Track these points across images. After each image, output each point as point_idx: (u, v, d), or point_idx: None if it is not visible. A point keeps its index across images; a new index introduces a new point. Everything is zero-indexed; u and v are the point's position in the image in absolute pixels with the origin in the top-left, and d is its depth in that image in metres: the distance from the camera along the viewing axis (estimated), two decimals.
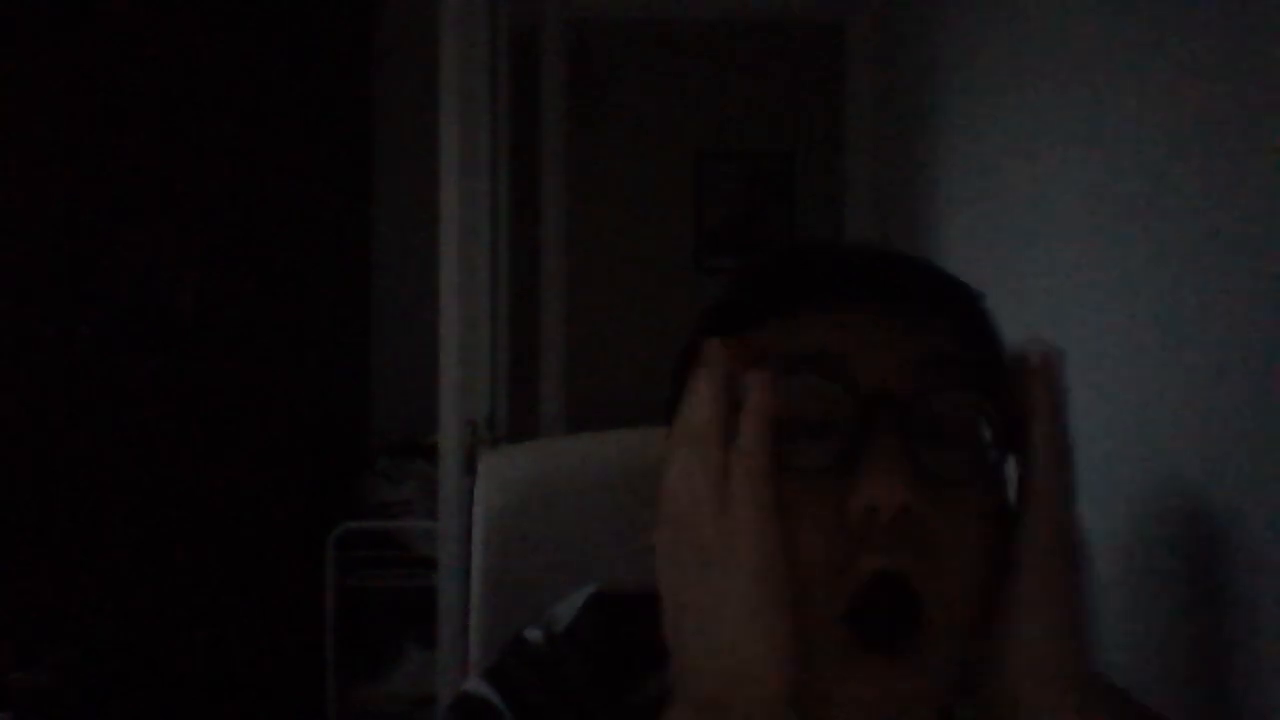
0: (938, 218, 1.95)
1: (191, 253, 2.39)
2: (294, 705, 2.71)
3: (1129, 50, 1.08)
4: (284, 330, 2.72)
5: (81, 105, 2.08)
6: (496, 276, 2.28)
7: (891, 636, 0.51)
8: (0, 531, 1.90)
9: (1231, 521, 0.85)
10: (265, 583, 2.61)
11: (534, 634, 0.68)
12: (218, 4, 2.48)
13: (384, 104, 3.23)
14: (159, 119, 2.29)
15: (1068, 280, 1.22)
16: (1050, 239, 1.30)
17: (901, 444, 0.51)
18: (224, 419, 2.47)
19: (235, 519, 2.50)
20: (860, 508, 0.50)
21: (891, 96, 2.55)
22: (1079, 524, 0.55)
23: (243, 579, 2.52)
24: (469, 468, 1.88)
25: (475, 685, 0.65)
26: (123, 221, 2.19)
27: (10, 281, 1.93)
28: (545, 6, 2.96)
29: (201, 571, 2.39)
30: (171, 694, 2.28)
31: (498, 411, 2.28)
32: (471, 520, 0.94)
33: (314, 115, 2.86)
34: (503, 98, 2.31)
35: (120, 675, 2.12)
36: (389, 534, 2.76)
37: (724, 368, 0.53)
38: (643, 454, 0.93)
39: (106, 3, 2.14)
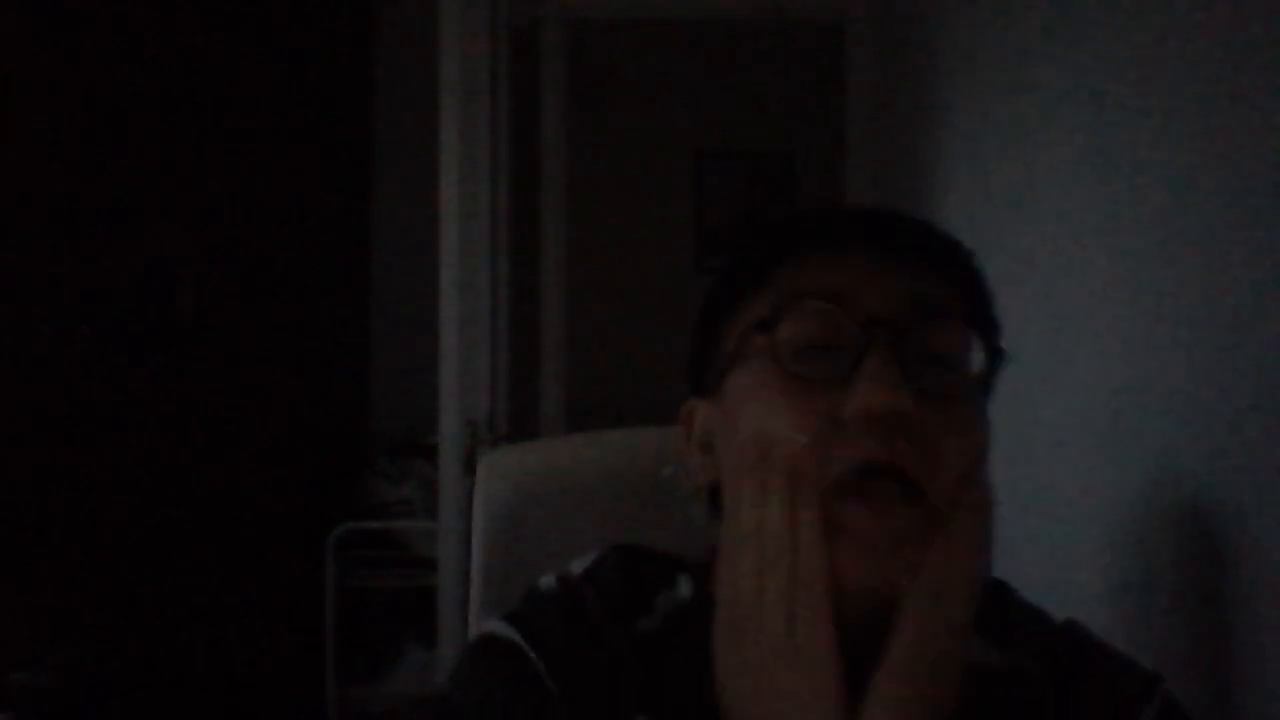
0: (938, 216, 1.95)
1: (191, 253, 2.39)
2: (294, 705, 2.71)
3: (1129, 48, 1.08)
4: (284, 330, 2.72)
5: (81, 105, 2.07)
6: (496, 276, 2.28)
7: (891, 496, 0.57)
8: (0, 531, 1.90)
9: (1231, 520, 0.85)
10: (265, 583, 2.61)
11: (547, 581, 0.69)
12: (218, 4, 2.48)
13: (384, 104, 3.23)
14: (159, 119, 2.29)
15: (1068, 278, 1.23)
16: (1051, 237, 1.30)
17: (896, 360, 0.57)
18: (224, 419, 2.47)
19: (235, 519, 2.50)
20: (854, 411, 0.57)
21: (891, 96, 2.55)
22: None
23: (243, 579, 2.52)
24: (469, 467, 1.88)
25: (497, 626, 0.65)
26: (123, 221, 2.19)
27: (10, 281, 1.93)
28: (545, 6, 2.96)
29: (201, 571, 2.39)
30: (171, 694, 2.28)
31: (498, 411, 2.27)
32: (472, 520, 0.94)
33: (314, 115, 2.86)
34: (503, 97, 2.31)
35: (120, 675, 2.12)
36: (389, 534, 2.76)
37: (808, 486, 0.57)
38: (643, 454, 0.93)
39: (106, 3, 2.14)
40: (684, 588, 0.67)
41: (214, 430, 2.44)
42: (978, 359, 0.63)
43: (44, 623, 1.98)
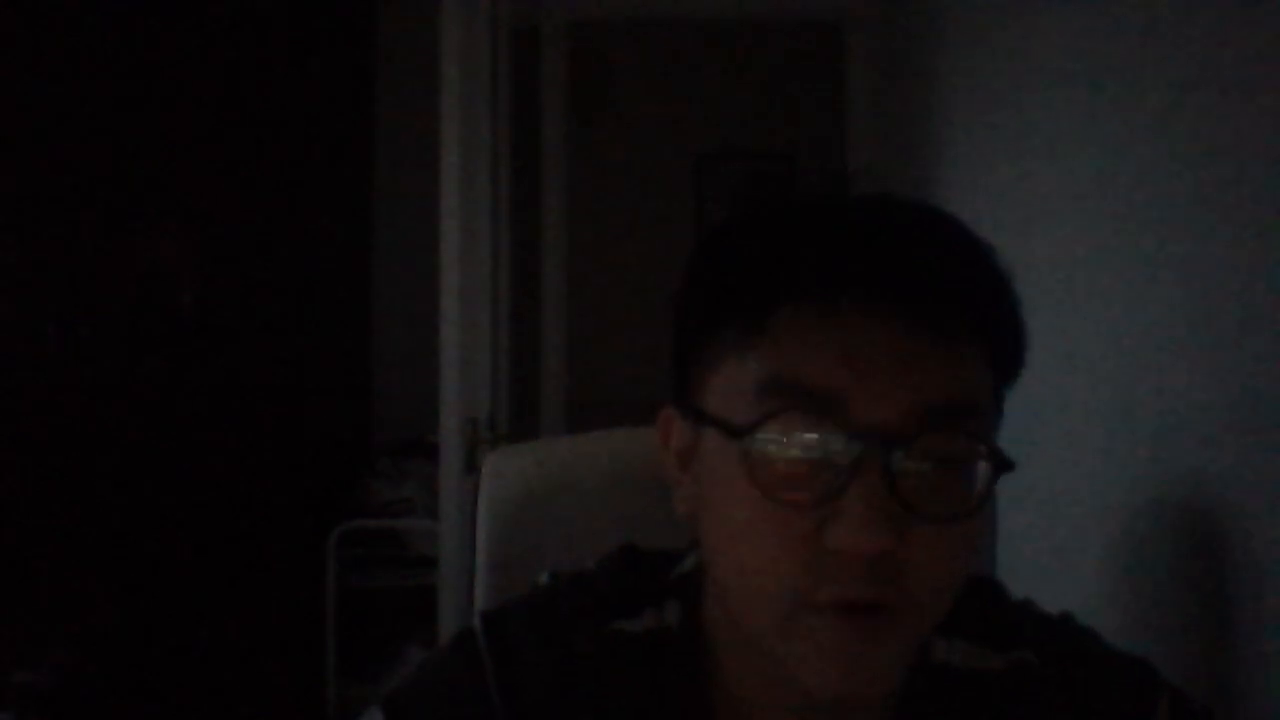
0: None
1: (191, 253, 2.39)
2: (294, 705, 2.70)
3: (1129, 49, 1.08)
4: (284, 330, 2.72)
5: (82, 105, 2.07)
6: (496, 276, 2.28)
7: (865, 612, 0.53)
8: (1, 531, 1.89)
9: (1231, 520, 0.85)
10: (266, 583, 2.60)
11: (543, 577, 0.69)
12: (218, 4, 2.48)
13: (385, 104, 3.23)
14: (159, 119, 2.29)
15: (1068, 280, 1.23)
16: (1051, 238, 1.30)
17: (889, 488, 0.52)
18: (224, 419, 2.47)
19: (235, 519, 2.50)
20: (837, 548, 0.52)
21: (891, 96, 2.55)
22: None
23: (243, 579, 2.52)
24: (469, 467, 1.88)
25: (476, 621, 0.66)
26: (123, 221, 2.19)
27: (11, 281, 1.93)
28: (545, 6, 2.96)
29: (202, 571, 2.39)
30: (172, 694, 2.28)
31: (498, 411, 2.27)
32: (474, 520, 0.94)
33: (315, 115, 2.86)
34: (503, 98, 2.31)
35: (120, 675, 2.12)
36: (390, 533, 2.76)
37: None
38: (646, 453, 0.93)
39: (106, 3, 2.14)
40: (671, 614, 0.65)
41: (214, 430, 2.44)
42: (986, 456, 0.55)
43: (44, 623, 1.98)
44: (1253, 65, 0.83)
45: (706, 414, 0.58)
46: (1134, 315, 1.05)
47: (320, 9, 2.91)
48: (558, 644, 0.63)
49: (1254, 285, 0.82)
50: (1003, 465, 0.55)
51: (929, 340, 0.53)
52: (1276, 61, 0.80)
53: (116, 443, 2.16)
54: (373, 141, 3.22)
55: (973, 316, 0.55)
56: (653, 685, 0.62)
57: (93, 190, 2.10)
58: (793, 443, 0.53)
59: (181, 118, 2.35)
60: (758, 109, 3.80)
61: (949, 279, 0.55)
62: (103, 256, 2.14)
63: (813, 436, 0.53)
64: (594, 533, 0.90)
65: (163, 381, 2.30)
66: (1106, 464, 1.10)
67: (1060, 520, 1.21)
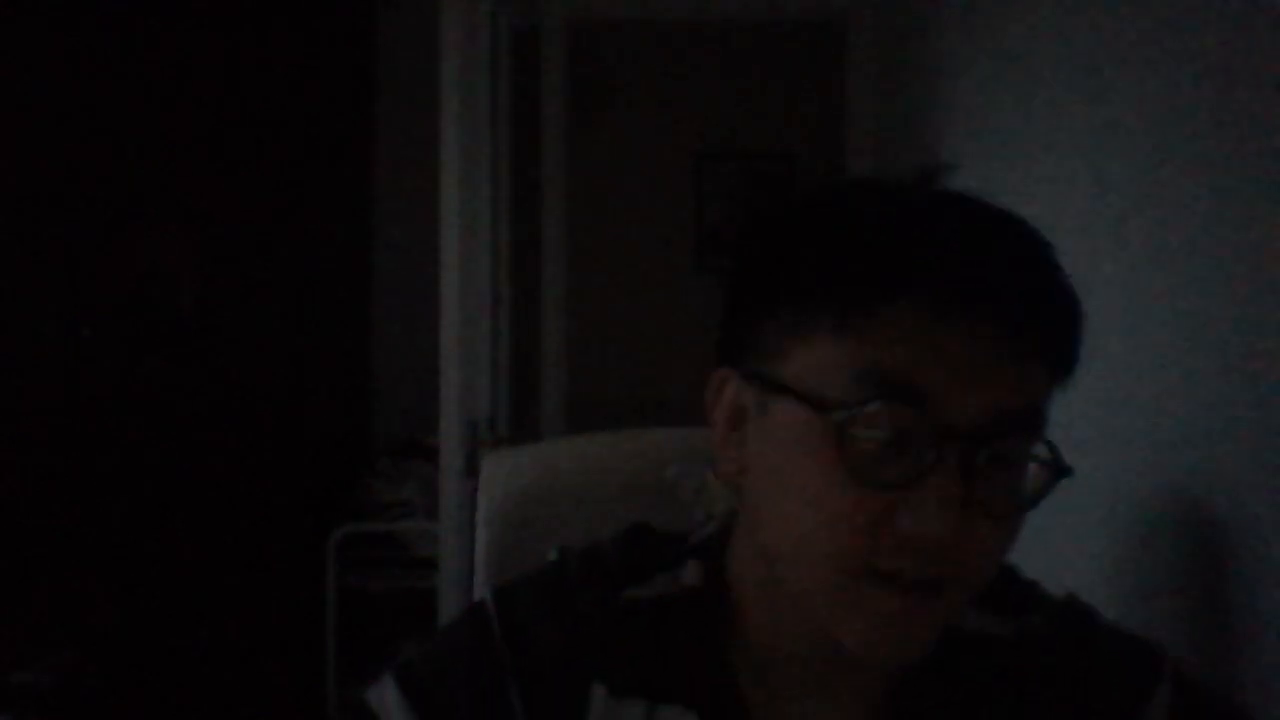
0: None
1: (191, 253, 2.39)
2: (294, 705, 2.70)
3: (1130, 49, 1.08)
4: (284, 331, 2.72)
5: (82, 105, 2.07)
6: (496, 276, 2.28)
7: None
8: (1, 532, 1.89)
9: (1231, 520, 0.85)
10: (266, 583, 2.60)
11: (552, 553, 0.70)
12: (218, 5, 2.48)
13: (385, 104, 3.23)
14: (159, 119, 2.29)
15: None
16: (1052, 237, 1.29)
17: (962, 478, 0.55)
18: (224, 420, 2.47)
19: (236, 520, 2.50)
20: (908, 533, 0.55)
21: (891, 96, 2.55)
22: None
23: (243, 579, 2.52)
24: (470, 468, 1.88)
25: (485, 593, 0.68)
26: (123, 222, 2.19)
27: (11, 281, 1.93)
28: (545, 6, 2.96)
29: (203, 572, 2.39)
30: (172, 694, 2.28)
31: (498, 412, 2.27)
32: (474, 521, 0.94)
33: (315, 115, 2.86)
34: (503, 97, 2.31)
35: (120, 675, 2.12)
36: (389, 535, 2.76)
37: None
38: (646, 454, 0.93)
39: (107, 3, 2.14)
40: (692, 574, 0.66)
41: (214, 431, 2.44)
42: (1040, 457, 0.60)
43: (44, 623, 1.98)
44: (1254, 63, 0.83)
45: (785, 384, 0.59)
46: (1133, 315, 1.05)
47: (320, 9, 2.91)
48: (567, 613, 0.64)
49: (1254, 285, 0.82)
50: (1063, 470, 0.60)
51: (1013, 347, 0.57)
52: (1278, 59, 0.80)
53: (116, 443, 2.16)
54: (373, 141, 3.23)
55: (1050, 329, 0.60)
56: (662, 648, 0.64)
57: (93, 190, 2.10)
58: (884, 428, 0.56)
59: (181, 118, 2.35)
60: (757, 109, 3.79)
61: (1040, 292, 0.60)
62: (103, 256, 2.14)
63: (905, 426, 0.56)
64: (593, 534, 0.90)
65: (163, 381, 2.30)
66: (1106, 464, 1.10)
67: (1059, 521, 1.21)
